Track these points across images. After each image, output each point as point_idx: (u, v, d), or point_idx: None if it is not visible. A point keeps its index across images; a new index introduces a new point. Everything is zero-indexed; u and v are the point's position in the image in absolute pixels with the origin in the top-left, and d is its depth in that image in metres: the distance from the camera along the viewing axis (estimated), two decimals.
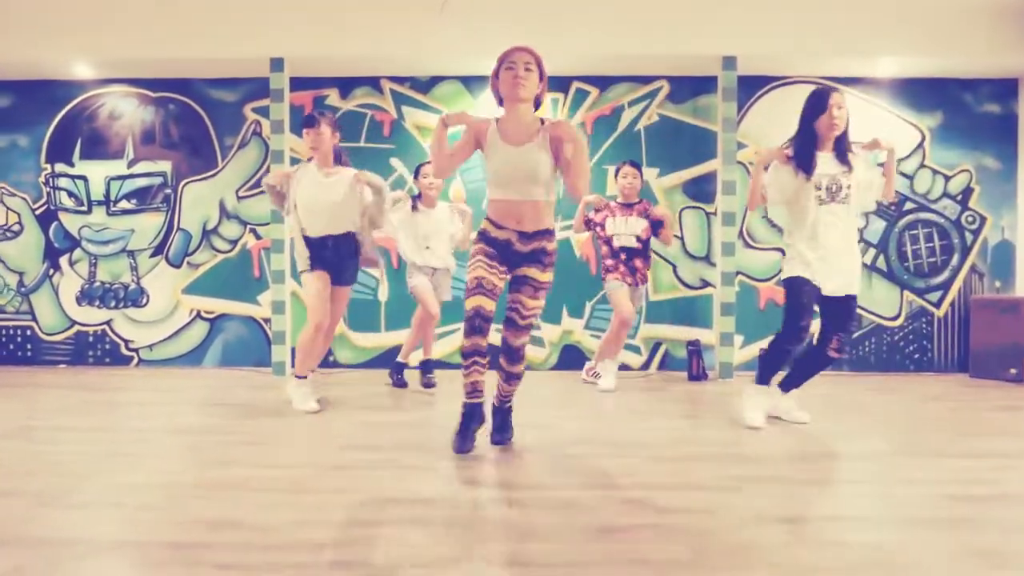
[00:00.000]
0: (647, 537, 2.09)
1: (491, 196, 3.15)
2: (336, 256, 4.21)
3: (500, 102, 3.18)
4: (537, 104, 3.17)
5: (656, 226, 5.11)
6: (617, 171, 5.25)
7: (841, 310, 3.68)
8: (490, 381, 3.23)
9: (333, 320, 4.33)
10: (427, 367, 5.06)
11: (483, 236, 3.15)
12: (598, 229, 5.15)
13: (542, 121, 3.12)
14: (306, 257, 4.18)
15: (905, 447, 3.29)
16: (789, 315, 3.66)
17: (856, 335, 6.12)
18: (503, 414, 3.32)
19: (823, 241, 3.60)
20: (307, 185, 4.17)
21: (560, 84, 6.09)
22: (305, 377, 4.21)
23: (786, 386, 3.88)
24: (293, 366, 5.40)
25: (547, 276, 3.14)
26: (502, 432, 3.30)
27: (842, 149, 3.64)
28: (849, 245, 3.66)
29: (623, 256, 5.07)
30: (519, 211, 3.07)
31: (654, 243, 5.22)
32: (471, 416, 3.12)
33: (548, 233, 3.13)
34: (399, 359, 5.10)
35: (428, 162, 4.92)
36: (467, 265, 3.18)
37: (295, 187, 4.19)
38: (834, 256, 3.61)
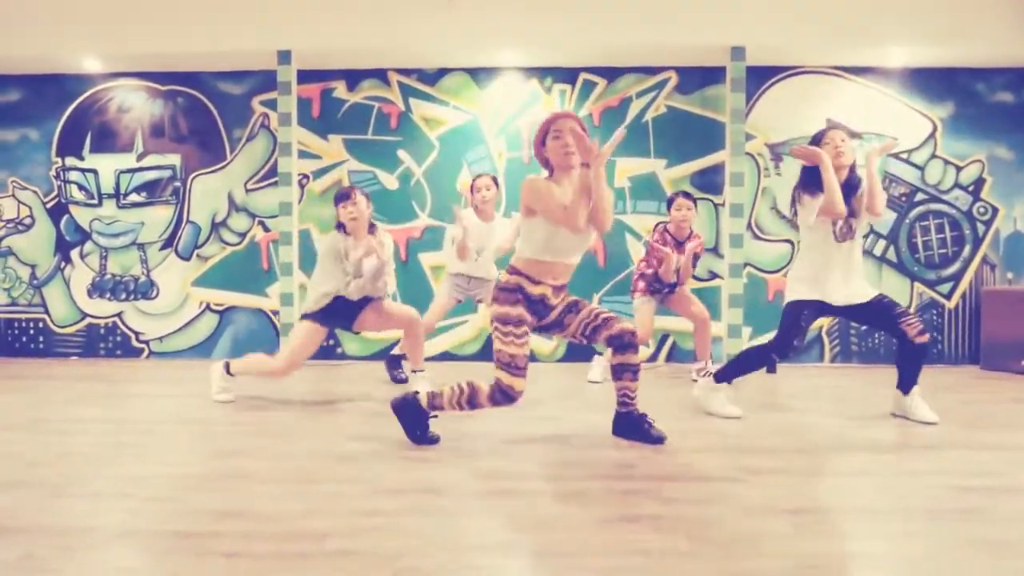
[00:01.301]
0: (651, 527, 2.10)
1: (534, 256, 3.08)
2: (356, 308, 4.30)
3: (548, 168, 3.17)
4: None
5: (695, 259, 5.07)
6: (670, 203, 5.04)
7: (876, 308, 3.66)
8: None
9: (405, 312, 4.38)
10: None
11: (518, 291, 3.07)
12: (654, 249, 4.96)
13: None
14: (320, 308, 4.18)
15: (913, 439, 3.28)
16: (784, 332, 3.69)
17: (864, 327, 6.08)
18: (639, 417, 3.25)
19: (831, 269, 3.64)
20: (360, 254, 4.15)
21: (567, 75, 6.08)
22: (234, 376, 4.26)
23: (905, 386, 3.73)
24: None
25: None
26: (650, 428, 3.22)
27: (853, 184, 3.66)
28: (856, 271, 3.70)
29: (660, 284, 5.02)
30: (562, 272, 3.14)
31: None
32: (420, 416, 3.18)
33: (566, 286, 3.25)
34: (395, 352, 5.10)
35: (481, 175, 4.97)
36: (496, 331, 3.05)
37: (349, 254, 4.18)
38: (843, 278, 3.65)
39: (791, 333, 3.65)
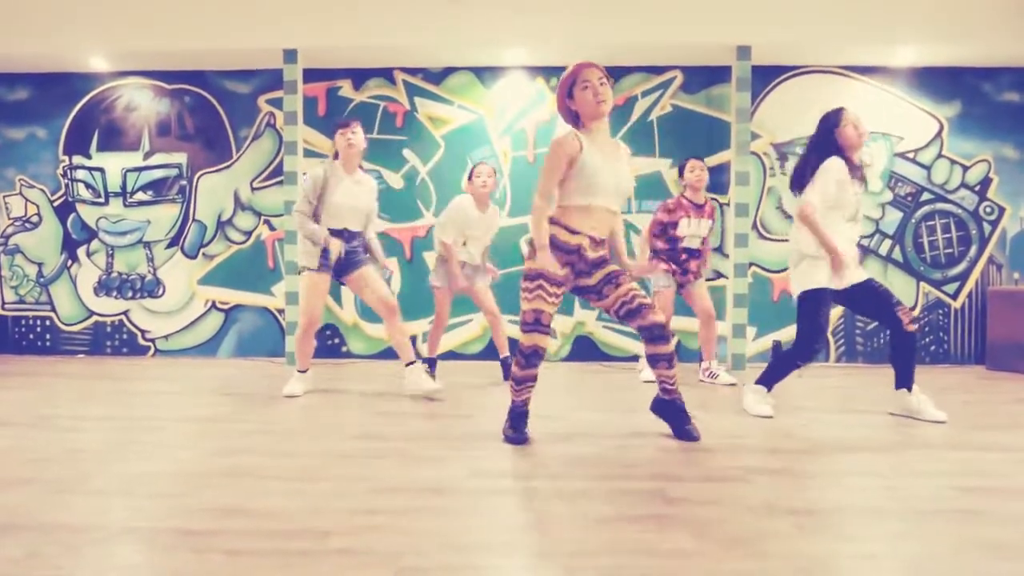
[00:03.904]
0: (653, 527, 2.10)
1: (573, 203, 3.08)
2: (348, 246, 4.29)
3: (575, 121, 3.15)
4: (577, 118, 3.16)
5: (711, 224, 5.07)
6: (682, 168, 5.04)
7: (871, 293, 3.66)
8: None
9: (384, 296, 4.32)
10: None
11: (552, 244, 3.09)
12: (669, 230, 4.96)
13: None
14: (316, 255, 4.23)
15: (915, 439, 3.27)
16: (807, 333, 3.64)
17: (870, 327, 6.07)
18: (681, 410, 3.27)
19: (846, 246, 3.64)
20: (337, 190, 4.22)
21: None
22: (305, 371, 4.41)
23: (905, 382, 3.72)
24: None
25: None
26: (686, 424, 3.25)
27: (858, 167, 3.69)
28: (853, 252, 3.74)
29: (683, 256, 4.99)
30: (600, 219, 3.13)
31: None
32: (522, 416, 3.24)
33: (605, 243, 3.23)
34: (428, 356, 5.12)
35: (482, 163, 4.97)
36: (524, 287, 3.11)
37: (328, 188, 4.21)
38: (852, 259, 3.69)
39: (814, 334, 3.62)
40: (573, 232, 3.09)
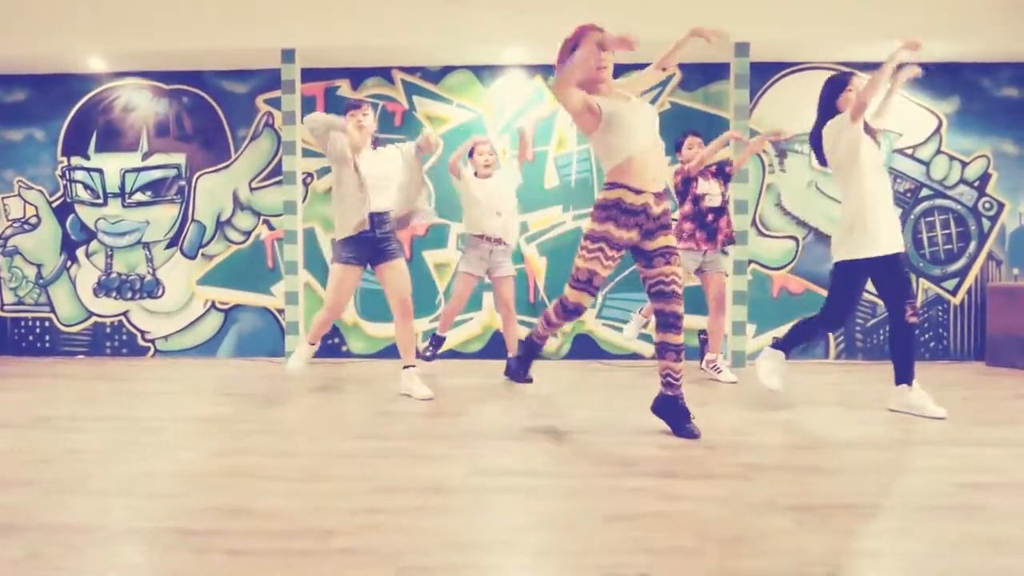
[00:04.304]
0: (654, 524, 2.10)
1: (625, 157, 3.09)
2: (374, 238, 4.20)
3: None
4: None
5: (727, 178, 5.05)
6: (679, 145, 5.08)
7: (894, 271, 3.63)
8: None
9: (405, 297, 4.25)
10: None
11: (617, 207, 3.09)
12: (692, 187, 4.98)
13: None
14: (344, 246, 4.20)
15: (915, 435, 3.27)
16: (837, 303, 3.71)
17: (870, 323, 6.08)
18: (682, 407, 3.26)
19: (878, 204, 3.64)
20: (364, 166, 4.16)
21: None
22: (314, 345, 4.46)
23: (906, 377, 3.69)
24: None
25: (674, 242, 3.23)
26: (686, 422, 3.23)
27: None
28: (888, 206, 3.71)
29: (710, 217, 4.96)
30: (656, 164, 3.14)
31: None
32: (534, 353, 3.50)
33: (663, 193, 3.20)
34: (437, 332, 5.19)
35: (483, 141, 4.98)
36: (584, 245, 3.17)
37: (357, 161, 4.15)
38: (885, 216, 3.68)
39: (845, 305, 3.70)
40: (636, 192, 3.09)
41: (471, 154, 4.97)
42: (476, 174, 4.96)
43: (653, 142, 3.15)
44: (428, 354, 5.16)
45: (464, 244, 5.05)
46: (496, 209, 4.88)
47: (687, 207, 5.01)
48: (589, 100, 3.07)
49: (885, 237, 3.60)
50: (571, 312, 3.25)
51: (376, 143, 4.35)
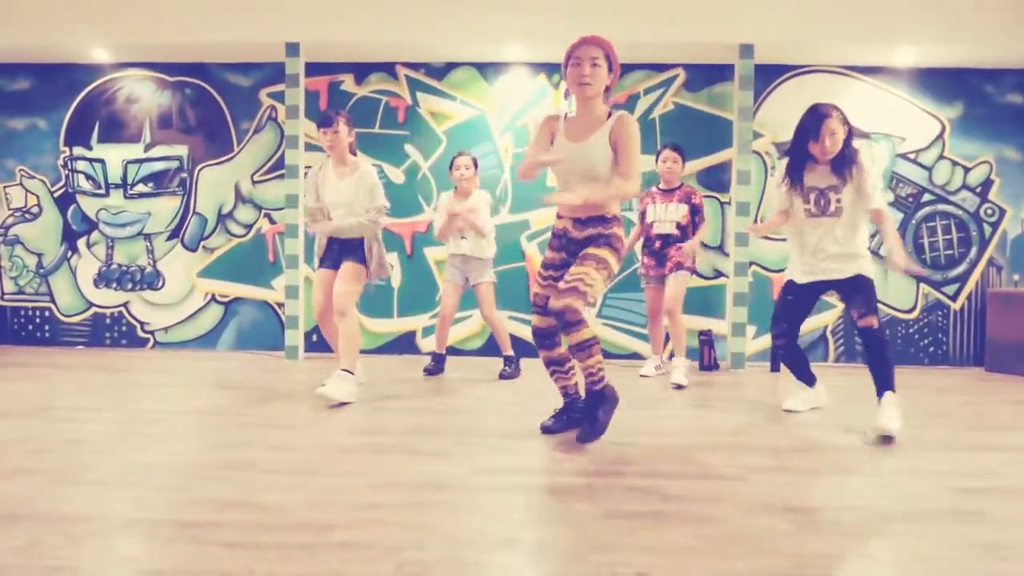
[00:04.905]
0: (652, 524, 2.10)
1: (557, 185, 3.19)
2: (340, 251, 4.16)
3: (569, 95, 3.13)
4: (607, 92, 3.11)
5: (695, 212, 4.99)
6: (657, 155, 5.15)
7: (849, 288, 3.51)
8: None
9: (332, 296, 4.06)
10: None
11: (552, 229, 3.24)
12: (638, 217, 5.15)
13: (610, 113, 3.08)
14: (318, 254, 4.27)
15: (914, 439, 3.27)
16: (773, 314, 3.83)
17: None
18: (587, 400, 3.08)
19: (814, 250, 3.56)
20: (326, 188, 4.16)
21: None
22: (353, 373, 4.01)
23: (878, 390, 3.40)
24: (307, 351, 5.60)
25: (602, 252, 3.02)
26: (588, 419, 3.03)
27: (838, 162, 3.45)
28: (847, 252, 3.50)
29: (657, 244, 4.99)
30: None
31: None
32: (567, 407, 3.32)
33: (604, 220, 3.06)
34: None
35: (461, 153, 4.94)
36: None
37: (321, 187, 4.18)
38: (828, 259, 3.53)
39: (775, 315, 3.81)
40: (559, 216, 3.17)
41: (450, 167, 4.95)
42: (456, 189, 4.95)
43: (585, 181, 3.01)
44: (429, 368, 5.13)
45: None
46: (461, 235, 4.89)
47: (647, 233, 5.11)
48: (544, 145, 3.11)
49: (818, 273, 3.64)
50: (534, 337, 3.24)
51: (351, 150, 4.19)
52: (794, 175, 3.56)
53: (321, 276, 4.20)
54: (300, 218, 5.94)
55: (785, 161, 3.63)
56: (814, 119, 3.45)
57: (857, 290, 3.48)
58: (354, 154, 4.26)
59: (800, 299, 3.69)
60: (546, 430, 3.23)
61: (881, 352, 3.38)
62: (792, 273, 3.72)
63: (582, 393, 3.23)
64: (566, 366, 3.25)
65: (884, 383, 3.35)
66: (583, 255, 3.06)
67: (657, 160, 5.13)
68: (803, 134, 3.50)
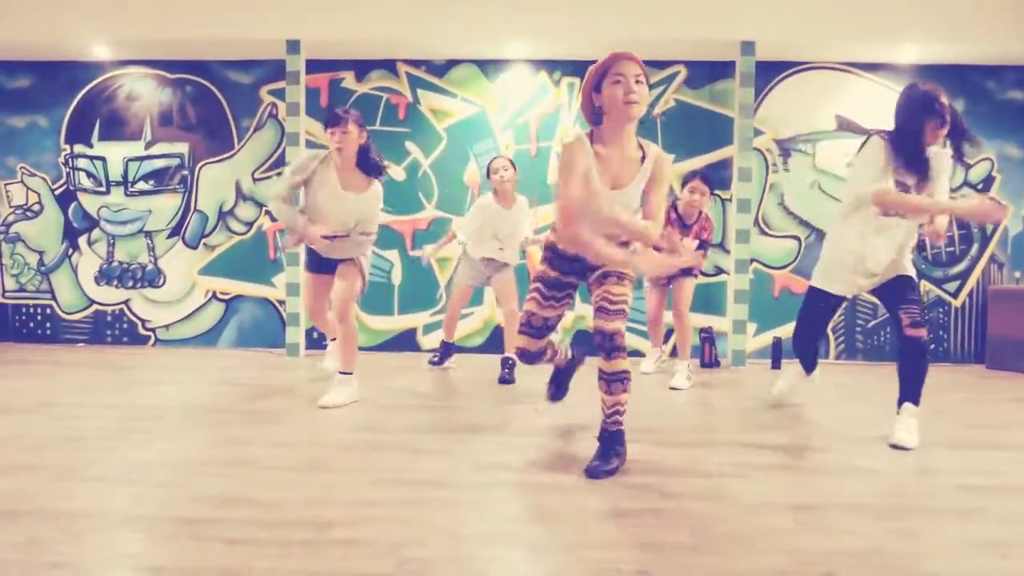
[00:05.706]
0: (652, 521, 2.10)
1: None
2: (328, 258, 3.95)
3: (595, 119, 2.73)
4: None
5: (701, 246, 4.84)
6: (685, 183, 4.77)
7: (894, 289, 3.27)
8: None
9: (334, 301, 3.85)
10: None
11: (551, 250, 2.91)
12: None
13: (641, 148, 2.75)
14: (306, 256, 4.10)
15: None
16: (799, 315, 3.62)
17: (871, 324, 6.07)
18: (604, 439, 2.74)
19: (862, 265, 3.26)
20: (324, 191, 3.76)
21: (577, 68, 6.06)
22: (335, 340, 4.01)
23: (900, 399, 3.22)
24: (308, 348, 5.60)
25: (625, 269, 2.78)
26: (602, 458, 2.67)
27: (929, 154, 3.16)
28: (899, 260, 3.26)
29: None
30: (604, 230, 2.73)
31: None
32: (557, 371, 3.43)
33: (625, 244, 2.83)
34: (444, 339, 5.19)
35: (498, 157, 4.88)
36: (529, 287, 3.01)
37: (312, 183, 3.78)
38: (872, 277, 3.31)
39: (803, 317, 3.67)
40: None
41: (488, 173, 4.80)
42: (495, 192, 4.79)
43: (612, 232, 2.74)
44: (435, 359, 5.14)
45: (462, 255, 5.00)
46: (499, 245, 4.79)
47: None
48: (582, 174, 2.66)
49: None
50: (522, 358, 3.10)
51: (366, 155, 3.84)
52: (913, 153, 3.08)
53: (309, 281, 4.03)
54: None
55: (879, 143, 3.12)
56: (927, 97, 3.04)
57: (904, 291, 3.19)
58: (380, 173, 3.91)
59: (832, 307, 3.47)
60: (553, 398, 3.41)
61: (923, 365, 3.14)
62: (827, 283, 3.40)
63: (561, 348, 3.33)
64: (548, 354, 3.18)
65: (911, 395, 3.15)
66: (612, 273, 2.76)
67: (684, 187, 4.77)
68: (919, 110, 3.05)
